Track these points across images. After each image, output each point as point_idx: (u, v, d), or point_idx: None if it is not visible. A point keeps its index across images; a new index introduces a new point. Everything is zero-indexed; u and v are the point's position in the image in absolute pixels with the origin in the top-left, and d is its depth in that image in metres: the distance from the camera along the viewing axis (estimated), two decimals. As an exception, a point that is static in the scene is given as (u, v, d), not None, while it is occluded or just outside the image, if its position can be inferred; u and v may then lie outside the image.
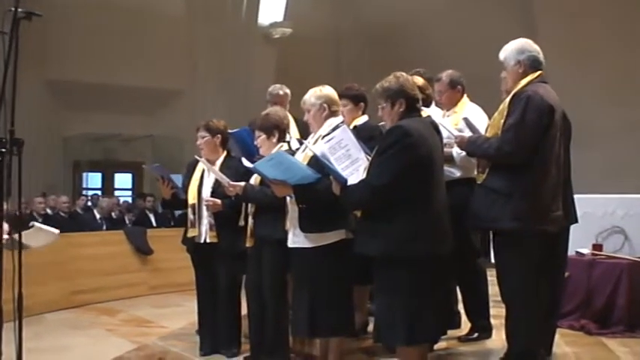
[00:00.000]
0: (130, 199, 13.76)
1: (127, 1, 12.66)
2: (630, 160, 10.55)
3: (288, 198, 4.18)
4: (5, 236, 3.90)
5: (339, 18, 14.56)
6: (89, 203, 11.55)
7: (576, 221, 4.31)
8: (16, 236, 3.90)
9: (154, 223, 10.98)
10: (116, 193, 14.54)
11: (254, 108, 12.08)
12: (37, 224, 4.44)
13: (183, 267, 7.16)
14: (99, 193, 13.88)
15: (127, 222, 10.84)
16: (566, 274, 4.82)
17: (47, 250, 5.11)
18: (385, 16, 13.71)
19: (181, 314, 7.18)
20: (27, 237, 4.16)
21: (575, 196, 4.31)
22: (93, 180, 15.05)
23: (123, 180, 15.60)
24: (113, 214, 10.77)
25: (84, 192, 14.01)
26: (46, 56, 12.23)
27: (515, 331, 3.94)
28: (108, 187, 15.05)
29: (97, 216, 10.58)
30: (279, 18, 13.99)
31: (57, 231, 4.51)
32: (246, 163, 4.43)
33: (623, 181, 8.71)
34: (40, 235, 4.39)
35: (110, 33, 12.71)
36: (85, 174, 14.94)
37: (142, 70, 13.17)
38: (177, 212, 10.63)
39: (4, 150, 3.42)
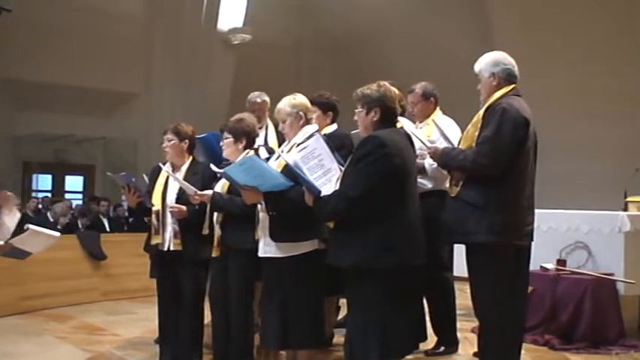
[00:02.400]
0: (80, 202, 13.44)
1: (85, 1, 12.40)
2: (590, 174, 10.70)
3: (258, 206, 4.09)
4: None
5: (300, 26, 14.55)
6: (40, 206, 11.24)
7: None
8: (14, 242, 3.75)
9: (108, 228, 10.74)
10: (67, 195, 14.21)
11: (211, 113, 12.10)
12: (32, 227, 4.11)
13: (137, 273, 7.05)
14: (49, 195, 13.54)
15: (81, 226, 10.57)
16: (530, 288, 4.82)
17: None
18: (346, 25, 13.75)
19: (135, 322, 7.02)
20: (23, 242, 3.95)
21: (540, 211, 4.33)
22: (43, 182, 14.69)
23: (74, 182, 15.26)
24: (66, 218, 10.49)
25: (34, 194, 13.65)
26: (-3, 53, 11.92)
27: (490, 346, 3.91)
28: (58, 189, 14.70)
29: (50, 220, 10.28)
30: (239, 24, 13.91)
31: (57, 233, 4.24)
32: (214, 168, 4.33)
33: (585, 196, 8.83)
34: (37, 239, 4.10)
35: (65, 32, 12.45)
36: (35, 175, 14.57)
37: (96, 71, 12.94)
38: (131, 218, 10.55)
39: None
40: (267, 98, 5.92)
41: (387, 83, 3.83)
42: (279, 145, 5.23)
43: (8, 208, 4.09)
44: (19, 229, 4.14)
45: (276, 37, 14.18)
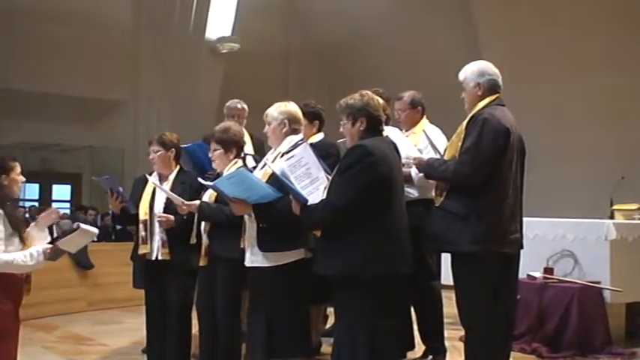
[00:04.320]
0: (68, 211, 13.35)
1: (70, 8, 12.36)
2: (576, 182, 10.75)
3: (245, 216, 4.08)
4: (46, 245, 3.73)
5: (288, 35, 14.59)
6: (27, 215, 11.15)
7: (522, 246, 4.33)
8: (59, 244, 3.74)
9: (95, 238, 10.63)
10: (54, 204, 14.10)
11: (199, 121, 12.07)
12: (83, 226, 4.03)
13: (124, 282, 6.99)
14: (36, 204, 13.44)
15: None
16: (517, 296, 4.83)
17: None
18: (334, 35, 13.81)
19: (122, 332, 6.99)
20: (69, 242, 3.92)
21: (527, 219, 4.33)
22: (30, 191, 14.58)
23: (61, 191, 15.18)
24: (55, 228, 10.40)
25: (21, 203, 13.54)
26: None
27: (475, 354, 3.91)
28: (46, 198, 14.61)
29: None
30: (227, 33, 13.91)
31: (96, 230, 4.16)
32: (202, 181, 4.34)
33: (571, 204, 8.87)
34: (81, 238, 4.02)
35: (52, 40, 12.40)
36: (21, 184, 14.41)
37: (83, 79, 12.89)
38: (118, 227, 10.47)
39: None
40: (245, 106, 5.93)
41: (369, 92, 3.84)
42: (255, 152, 5.26)
43: (43, 223, 4.07)
44: None
45: (264, 47, 14.21)
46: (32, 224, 4.02)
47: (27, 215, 11.18)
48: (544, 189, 9.85)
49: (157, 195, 4.86)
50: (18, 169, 3.89)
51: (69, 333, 7.17)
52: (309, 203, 3.65)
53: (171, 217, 4.69)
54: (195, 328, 4.80)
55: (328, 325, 5.61)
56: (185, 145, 5.18)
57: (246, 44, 13.77)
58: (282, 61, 14.95)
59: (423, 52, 12.75)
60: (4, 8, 11.42)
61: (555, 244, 5.92)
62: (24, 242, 3.76)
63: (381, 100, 4.69)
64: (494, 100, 4.02)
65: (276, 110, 4.21)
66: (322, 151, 4.22)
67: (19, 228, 3.76)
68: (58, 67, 12.58)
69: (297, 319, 4.01)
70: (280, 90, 13.99)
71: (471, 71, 4.09)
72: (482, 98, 4.02)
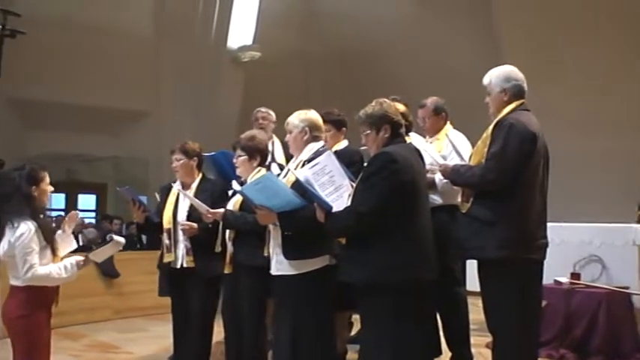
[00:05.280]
0: (93, 221, 13.47)
1: (93, 20, 12.45)
2: (602, 187, 10.64)
3: (270, 225, 4.08)
4: (79, 257, 3.80)
5: (309, 42, 14.56)
6: (54, 225, 11.24)
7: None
8: (91, 256, 3.81)
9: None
10: (79, 214, 14.21)
11: (221, 130, 12.10)
12: (116, 237, 4.11)
13: (149, 290, 7.04)
14: (62, 214, 13.56)
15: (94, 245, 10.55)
16: (544, 302, 4.79)
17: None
18: (354, 41, 13.76)
19: (148, 339, 7.05)
20: (101, 254, 4.00)
21: (553, 224, 4.29)
22: (56, 200, 14.72)
23: (87, 201, 15.31)
24: (80, 236, 10.49)
25: (47, 213, 13.69)
26: (8, 74, 11.94)
27: (503, 361, 3.88)
28: (71, 208, 14.72)
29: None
30: (249, 41, 13.93)
31: (124, 240, 4.18)
32: (235, 186, 4.36)
33: (597, 209, 8.77)
34: (112, 249, 4.07)
35: (76, 52, 12.47)
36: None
37: (107, 90, 12.95)
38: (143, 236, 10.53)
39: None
40: (272, 113, 5.96)
41: (386, 99, 3.85)
42: (287, 160, 5.27)
43: (68, 228, 4.12)
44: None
45: (284, 54, 14.20)
46: (58, 232, 4.06)
47: (53, 225, 11.27)
48: (569, 194, 9.75)
49: (180, 203, 4.90)
50: (47, 178, 3.94)
51: (95, 341, 7.23)
52: (333, 210, 3.65)
53: (194, 225, 4.72)
54: (220, 336, 4.81)
55: (353, 332, 5.60)
56: (209, 154, 5.21)
57: (267, 53, 13.78)
58: (302, 69, 14.94)
59: (444, 58, 12.67)
60: (28, 20, 11.54)
61: (582, 249, 5.88)
62: (55, 254, 3.81)
63: (402, 107, 4.73)
64: (519, 105, 3.99)
65: (297, 118, 4.22)
66: (346, 159, 4.23)
67: (51, 240, 3.81)
68: (82, 79, 12.65)
69: (323, 326, 4.00)
70: (301, 98, 13.98)
71: (496, 76, 4.06)
72: (507, 103, 3.99)
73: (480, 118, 4.28)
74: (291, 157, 4.44)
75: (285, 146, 5.45)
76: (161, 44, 13.69)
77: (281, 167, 5.02)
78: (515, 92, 4.01)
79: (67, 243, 4.07)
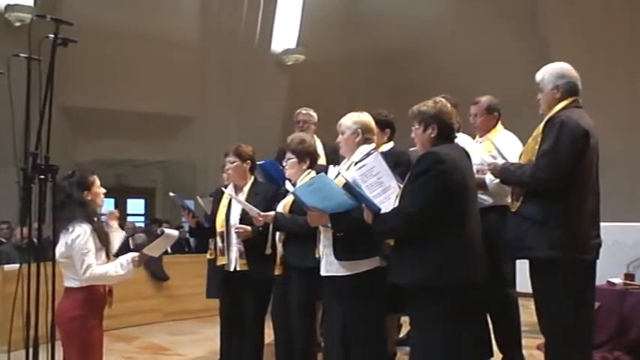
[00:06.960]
0: (142, 225, 13.68)
1: (140, 28, 12.64)
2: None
3: (320, 226, 4.09)
4: (134, 254, 3.89)
5: (352, 44, 14.53)
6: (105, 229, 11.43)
7: None
8: (145, 251, 3.90)
9: (169, 250, 10.86)
10: (129, 218, 14.46)
11: (266, 134, 12.16)
12: (167, 231, 4.17)
13: (198, 293, 7.11)
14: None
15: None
16: (597, 304, 4.71)
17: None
18: (398, 42, 13.71)
19: (198, 342, 7.14)
20: (156, 248, 4.06)
21: (605, 224, 4.19)
22: (106, 205, 14.95)
23: (135, 205, 15.56)
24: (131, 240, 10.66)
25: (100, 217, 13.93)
26: (59, 82, 12.16)
27: (556, 363, 3.83)
28: (121, 212, 14.93)
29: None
30: (293, 44, 13.99)
31: (177, 232, 4.27)
32: (288, 186, 4.40)
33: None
34: (165, 242, 4.11)
35: (122, 59, 12.68)
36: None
37: (153, 96, 13.13)
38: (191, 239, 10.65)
39: (42, 177, 3.40)
40: (314, 114, 5.97)
41: (442, 99, 3.81)
42: (327, 162, 5.27)
43: (112, 222, 4.22)
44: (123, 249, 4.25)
45: (328, 57, 14.21)
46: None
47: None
48: (622, 193, 9.57)
49: (232, 207, 4.94)
50: (97, 181, 4.01)
51: (147, 343, 7.36)
52: (381, 212, 3.64)
53: (249, 227, 4.74)
54: (270, 338, 4.84)
55: (402, 334, 5.58)
56: (258, 162, 5.24)
57: (311, 55, 13.82)
58: (347, 70, 14.91)
59: (490, 56, 12.54)
60: (77, 29, 11.74)
61: (636, 249, 5.76)
62: (109, 257, 3.89)
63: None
64: (571, 102, 3.92)
65: (350, 120, 4.22)
66: (393, 160, 4.20)
67: (106, 243, 3.88)
68: (129, 86, 12.85)
69: (372, 328, 4.00)
70: (346, 99, 13.95)
71: (549, 73, 3.99)
72: (559, 101, 3.93)
73: (527, 116, 4.22)
74: (333, 158, 4.45)
75: (326, 147, 5.49)
76: (206, 49, 13.82)
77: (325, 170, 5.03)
78: (568, 89, 3.94)
79: (115, 235, 4.15)
